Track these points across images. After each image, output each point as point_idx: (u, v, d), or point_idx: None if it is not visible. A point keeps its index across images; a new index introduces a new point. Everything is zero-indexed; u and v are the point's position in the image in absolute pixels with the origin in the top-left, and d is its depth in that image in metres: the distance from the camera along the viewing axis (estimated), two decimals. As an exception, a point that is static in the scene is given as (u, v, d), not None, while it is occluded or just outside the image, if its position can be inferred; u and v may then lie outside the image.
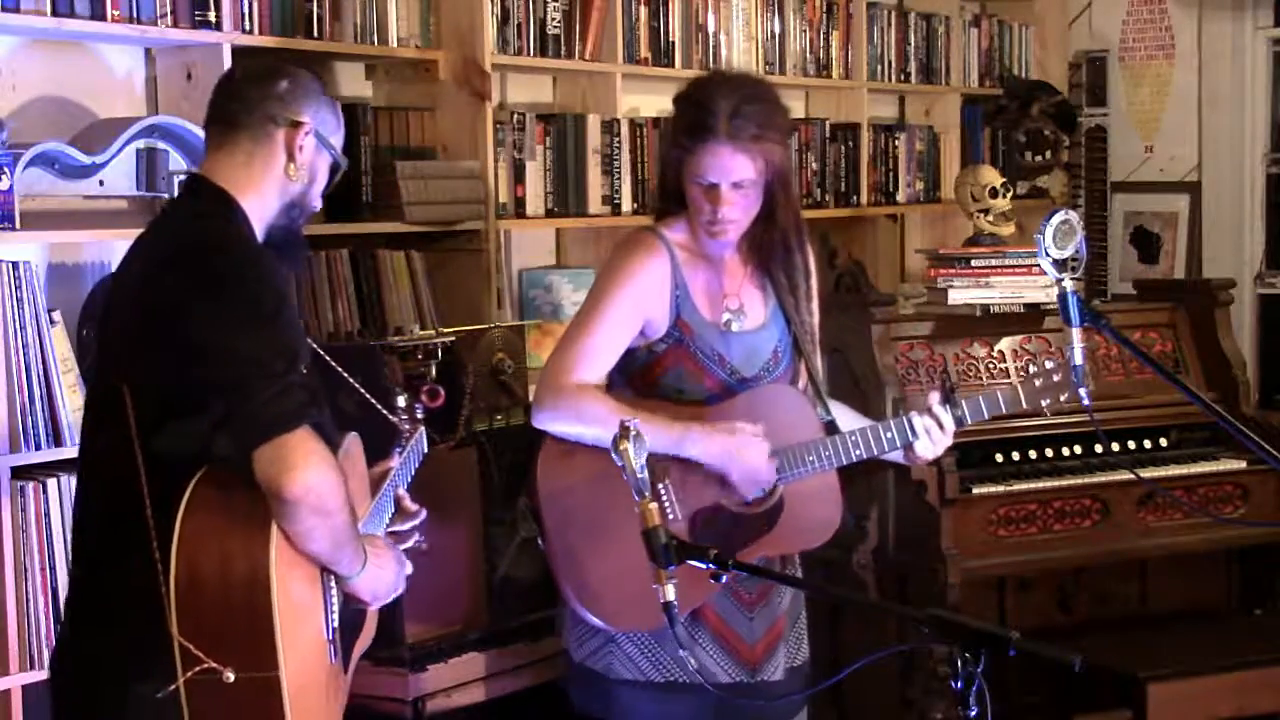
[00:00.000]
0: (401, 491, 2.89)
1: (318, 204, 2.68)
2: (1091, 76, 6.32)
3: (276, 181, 2.57)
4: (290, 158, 2.57)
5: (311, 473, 2.30)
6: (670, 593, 2.36)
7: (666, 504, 3.08)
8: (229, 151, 2.56)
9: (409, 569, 2.69)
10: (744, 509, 3.12)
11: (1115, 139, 6.28)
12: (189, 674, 2.29)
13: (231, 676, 2.30)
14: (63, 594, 3.24)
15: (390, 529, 2.85)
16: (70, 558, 2.60)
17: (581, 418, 3.03)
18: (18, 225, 3.19)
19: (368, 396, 2.99)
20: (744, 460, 3.05)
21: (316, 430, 2.37)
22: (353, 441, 2.70)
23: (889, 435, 3.18)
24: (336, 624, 2.52)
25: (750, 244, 3.19)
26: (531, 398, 3.16)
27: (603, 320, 3.09)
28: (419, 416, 3.02)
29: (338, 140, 2.66)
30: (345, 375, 2.95)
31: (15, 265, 3.21)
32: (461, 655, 3.46)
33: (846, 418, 3.30)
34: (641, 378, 3.16)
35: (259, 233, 2.57)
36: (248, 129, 2.56)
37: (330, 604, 2.50)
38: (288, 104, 2.57)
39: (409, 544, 2.87)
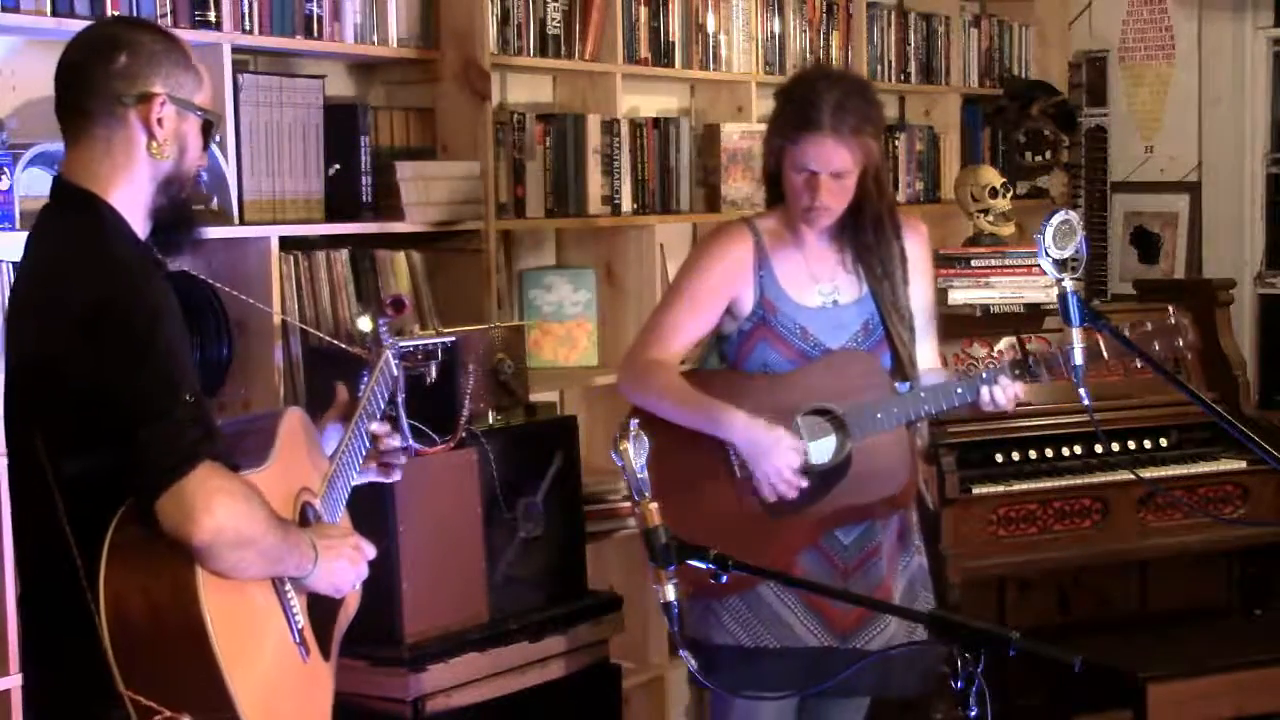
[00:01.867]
0: (375, 426, 2.77)
1: (200, 165, 2.48)
2: (1091, 76, 6.32)
3: (143, 164, 2.38)
4: (150, 135, 2.36)
5: (219, 514, 2.18)
6: (670, 593, 2.36)
7: (734, 459, 3.27)
8: (85, 145, 2.37)
9: (371, 553, 2.56)
10: (811, 467, 3.26)
11: (1115, 139, 6.29)
12: None
13: None
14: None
15: (383, 458, 2.78)
16: (16, 588, 2.43)
17: (648, 391, 3.32)
18: (18, 225, 3.18)
19: (317, 334, 2.89)
20: (774, 462, 3.21)
21: (214, 459, 2.23)
22: (291, 416, 2.57)
23: (959, 391, 3.30)
24: (302, 623, 2.44)
25: (842, 231, 3.37)
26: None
27: (680, 300, 3.37)
28: (384, 336, 2.86)
29: (202, 95, 2.43)
30: (301, 325, 2.89)
31: (15, 265, 3.20)
32: (461, 655, 3.45)
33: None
34: (736, 357, 3.38)
35: (138, 223, 2.40)
36: (96, 116, 2.36)
37: (290, 606, 2.41)
38: (132, 77, 2.35)
39: (399, 460, 2.80)
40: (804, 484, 3.23)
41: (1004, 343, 4.64)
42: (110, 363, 2.21)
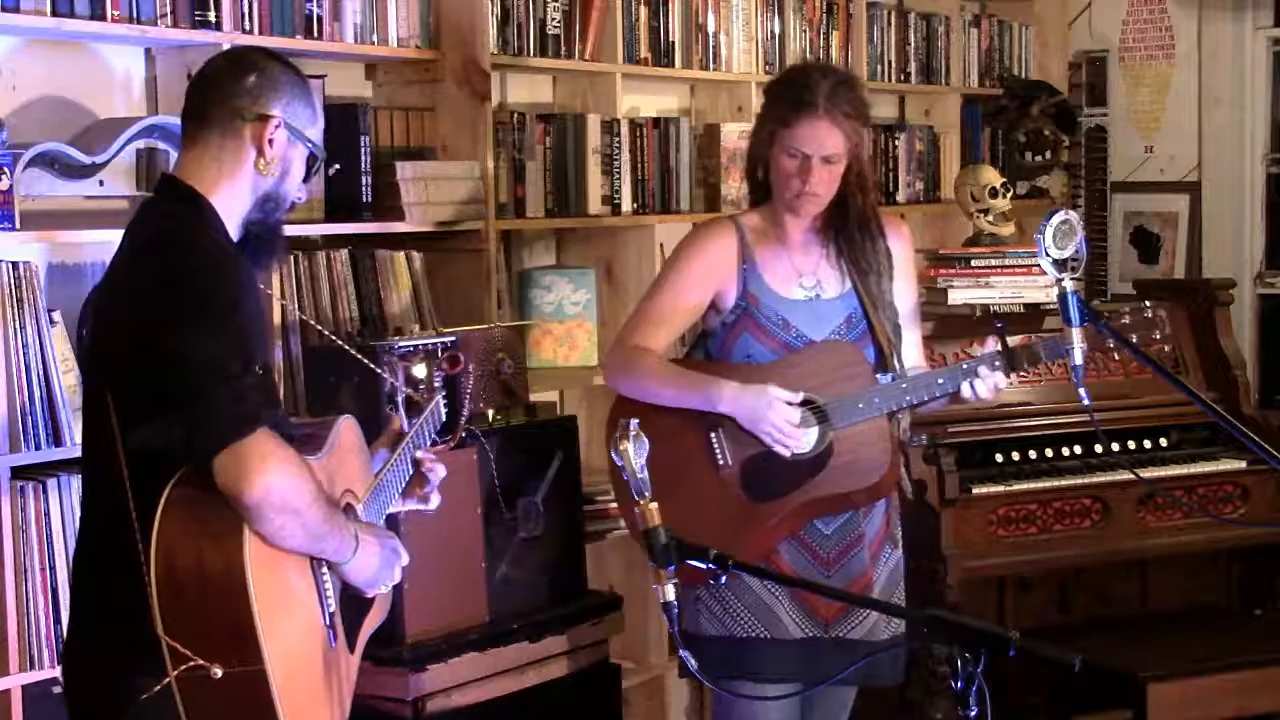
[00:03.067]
0: (420, 454, 2.91)
1: (298, 196, 2.65)
2: (1091, 76, 6.33)
3: (247, 176, 2.55)
4: (260, 152, 2.54)
5: (271, 475, 2.30)
6: (670, 593, 2.36)
7: (718, 451, 3.29)
8: (199, 148, 2.55)
9: (405, 560, 2.68)
10: (794, 457, 3.26)
11: (1115, 139, 6.29)
12: (177, 671, 2.32)
13: (219, 672, 2.31)
14: (63, 594, 3.26)
15: (426, 482, 2.91)
16: (73, 558, 2.63)
17: (633, 374, 3.34)
18: (18, 225, 3.19)
19: (381, 372, 3.01)
20: (772, 418, 3.22)
21: (274, 429, 2.36)
22: (345, 425, 2.69)
23: (940, 381, 3.31)
24: (334, 607, 2.53)
25: (827, 227, 3.39)
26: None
27: (665, 290, 3.39)
28: (436, 385, 3.05)
29: (315, 132, 2.63)
30: (361, 358, 2.94)
31: (15, 265, 3.21)
32: (461, 655, 3.46)
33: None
34: (720, 351, 3.40)
35: (233, 229, 2.55)
36: (216, 125, 2.54)
37: (324, 589, 2.50)
38: (255, 97, 2.54)
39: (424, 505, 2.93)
40: (802, 438, 3.24)
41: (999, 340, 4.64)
42: (188, 324, 2.35)
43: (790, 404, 3.24)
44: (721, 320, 3.38)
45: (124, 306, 2.44)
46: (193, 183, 2.53)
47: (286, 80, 2.59)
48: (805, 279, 3.38)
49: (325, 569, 2.51)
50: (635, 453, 2.39)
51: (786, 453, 3.25)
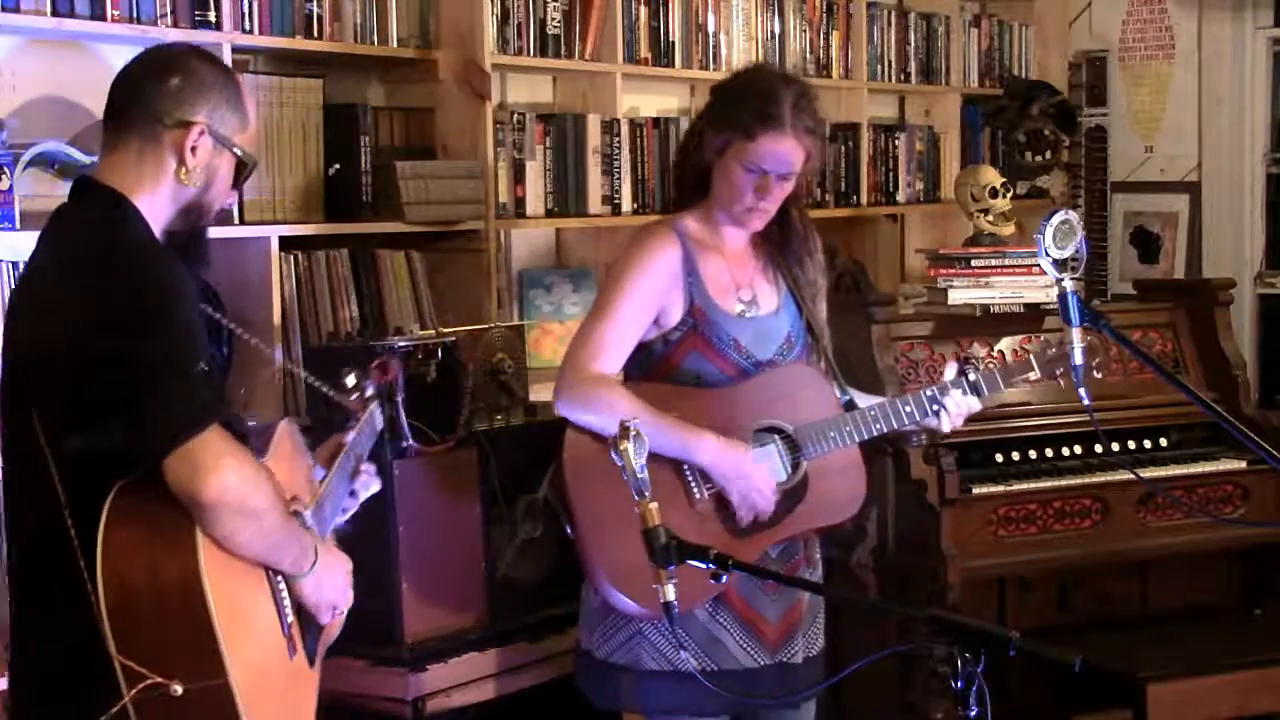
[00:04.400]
0: (365, 467, 2.82)
1: (226, 202, 2.53)
2: (1091, 76, 6.32)
3: (168, 184, 2.42)
4: (180, 161, 2.41)
5: (227, 474, 2.20)
6: (670, 593, 2.36)
7: (691, 483, 3.14)
8: (120, 150, 2.43)
9: (350, 589, 2.58)
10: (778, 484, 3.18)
11: (1115, 139, 6.29)
12: (134, 691, 2.19)
13: (179, 689, 2.19)
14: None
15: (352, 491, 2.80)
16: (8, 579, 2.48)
17: (597, 409, 3.09)
18: (18, 225, 3.19)
19: (308, 377, 2.92)
20: (751, 489, 3.11)
21: (227, 428, 2.26)
22: (287, 428, 2.60)
23: (908, 409, 3.24)
24: (292, 618, 2.43)
25: (765, 236, 3.28)
26: (554, 385, 3.22)
27: (619, 309, 3.16)
28: (368, 394, 2.92)
29: (246, 137, 2.49)
30: (284, 360, 2.90)
31: (15, 265, 3.21)
32: (461, 655, 3.45)
33: (861, 400, 3.35)
34: (659, 368, 3.22)
35: (156, 233, 2.43)
36: (135, 128, 2.41)
37: (282, 599, 2.41)
38: (178, 101, 2.41)
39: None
40: (772, 507, 3.14)
41: (1005, 343, 4.65)
42: (125, 331, 2.24)
43: (771, 471, 3.13)
44: (664, 336, 3.20)
45: (53, 312, 2.32)
46: (114, 185, 2.41)
47: (214, 82, 2.45)
48: (743, 291, 3.24)
49: (281, 580, 2.41)
50: (635, 452, 2.38)
51: (748, 519, 3.13)
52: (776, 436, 3.20)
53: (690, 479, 3.15)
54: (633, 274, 3.18)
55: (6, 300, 3.17)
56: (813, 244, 3.32)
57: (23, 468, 2.35)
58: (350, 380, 2.90)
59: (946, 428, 3.27)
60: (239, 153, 2.48)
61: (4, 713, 2.48)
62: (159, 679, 2.19)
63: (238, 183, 2.52)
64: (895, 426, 3.26)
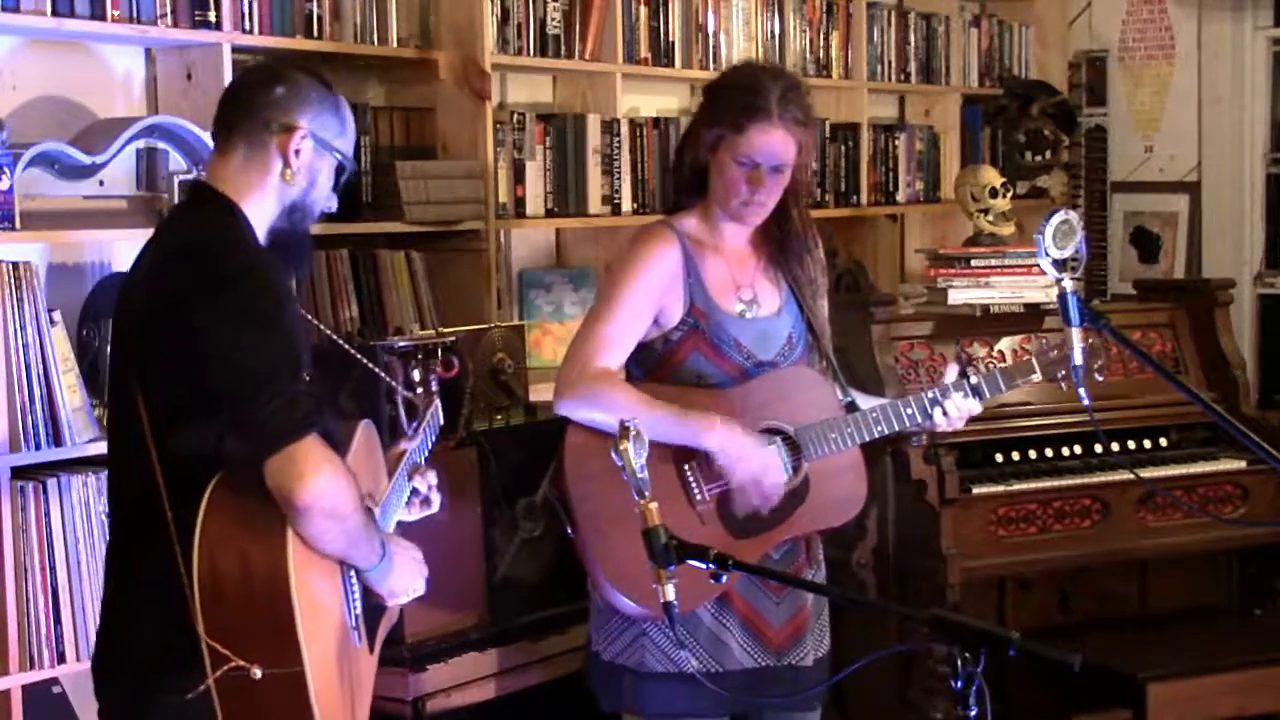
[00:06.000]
0: (424, 471, 2.93)
1: (327, 205, 2.69)
2: (1091, 76, 6.32)
3: (273, 185, 2.59)
4: (286, 162, 2.58)
5: (321, 480, 2.34)
6: (670, 592, 2.36)
7: (693, 484, 3.14)
8: (227, 157, 2.59)
9: (426, 572, 2.71)
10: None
11: (1115, 139, 6.28)
12: (218, 673, 2.33)
13: (259, 674, 2.33)
14: (63, 594, 3.26)
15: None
16: (105, 555, 2.65)
17: (602, 405, 3.08)
18: (18, 225, 3.19)
19: (381, 374, 3.02)
20: (758, 473, 3.11)
21: (324, 437, 2.40)
22: (365, 430, 2.73)
23: (909, 411, 3.24)
24: (359, 609, 2.57)
25: (765, 236, 3.28)
26: (554, 386, 3.22)
27: (619, 309, 3.16)
28: (434, 389, 3.07)
29: (344, 143, 2.67)
30: (360, 358, 2.96)
31: (15, 265, 3.21)
32: (461, 655, 3.46)
33: (863, 401, 3.35)
34: (660, 369, 3.22)
35: (261, 236, 2.59)
36: (243, 135, 2.58)
37: (351, 591, 2.55)
38: (283, 109, 2.59)
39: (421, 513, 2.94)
40: (781, 493, 3.15)
41: (1005, 343, 4.65)
42: (238, 328, 2.37)
43: (778, 464, 3.14)
44: (664, 336, 3.20)
45: (165, 308, 2.44)
46: (223, 189, 2.57)
47: (314, 93, 2.63)
48: (743, 291, 3.25)
49: (352, 572, 2.54)
50: (635, 452, 2.38)
51: (750, 507, 3.14)
52: (778, 438, 3.19)
53: (691, 479, 3.14)
54: (631, 274, 3.19)
55: (14, 300, 3.19)
56: (812, 242, 3.33)
57: (126, 452, 2.49)
58: (416, 374, 3.04)
59: (947, 429, 3.28)
60: (339, 156, 2.65)
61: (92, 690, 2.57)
62: (241, 662, 2.33)
63: (337, 185, 2.68)
64: (896, 428, 3.25)
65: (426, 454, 2.96)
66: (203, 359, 2.37)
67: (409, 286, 4.00)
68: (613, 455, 2.40)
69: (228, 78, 3.52)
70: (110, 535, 2.61)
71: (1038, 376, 3.33)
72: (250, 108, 2.60)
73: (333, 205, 2.70)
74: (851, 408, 3.28)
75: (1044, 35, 6.35)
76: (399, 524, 2.84)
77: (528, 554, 3.67)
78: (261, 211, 2.59)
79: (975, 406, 3.28)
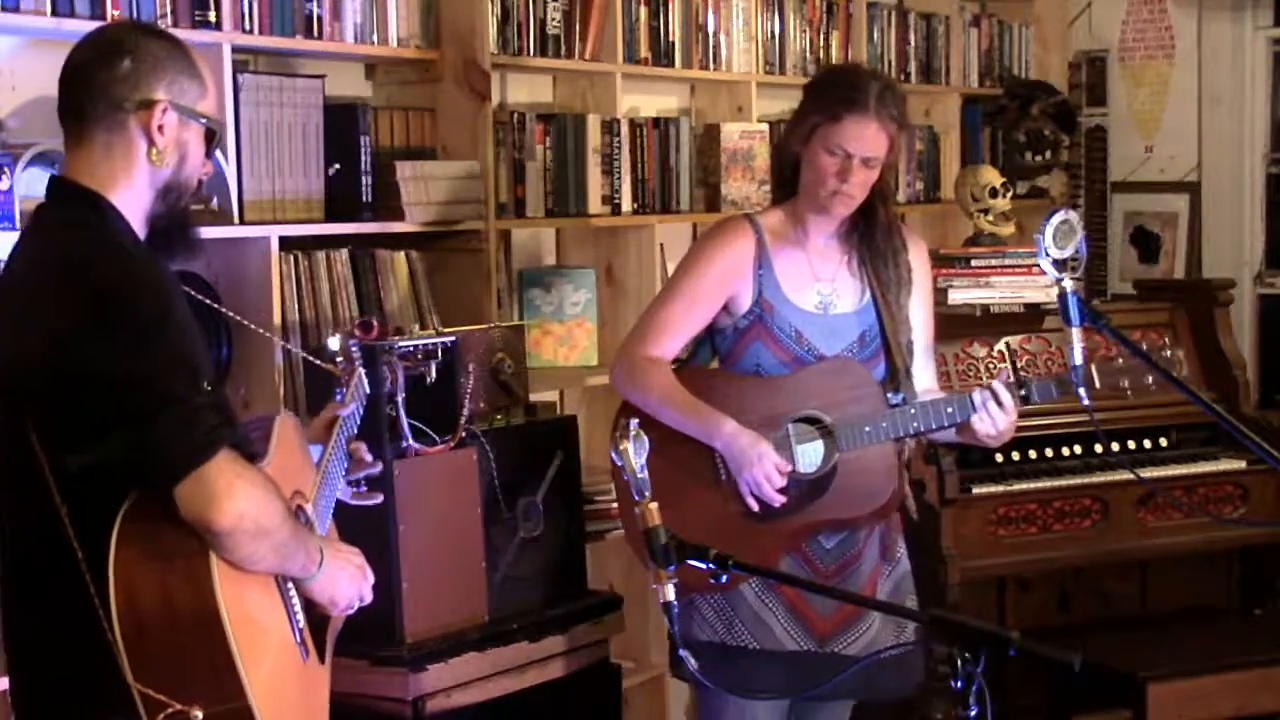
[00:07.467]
0: (356, 444, 2.80)
1: (203, 174, 2.44)
2: (1091, 76, 6.33)
3: (142, 170, 2.35)
4: (150, 141, 2.33)
5: (239, 500, 2.17)
6: (669, 593, 2.36)
7: (720, 466, 3.26)
8: (86, 147, 2.34)
9: (372, 577, 2.57)
10: (795, 475, 3.24)
11: (1115, 139, 6.29)
12: None
13: (200, 715, 2.17)
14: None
15: (357, 474, 2.80)
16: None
17: (641, 388, 3.30)
18: (17, 225, 3.18)
19: (294, 349, 2.93)
20: (753, 473, 3.19)
21: (235, 448, 2.22)
22: (284, 422, 2.56)
23: (949, 410, 3.26)
24: (302, 623, 2.43)
25: (850, 233, 3.36)
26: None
27: (679, 296, 3.34)
28: (355, 355, 2.92)
29: (207, 104, 2.41)
30: (260, 330, 2.86)
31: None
32: (461, 655, 3.45)
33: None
34: (729, 353, 3.36)
35: (139, 227, 2.37)
36: (98, 120, 2.33)
37: (291, 605, 2.41)
38: (135, 83, 2.33)
39: (367, 500, 2.85)
40: (782, 500, 3.20)
41: (1002, 343, 4.65)
42: (122, 348, 2.17)
43: (778, 465, 3.19)
44: (734, 324, 3.34)
45: (39, 326, 2.23)
46: (87, 183, 2.34)
47: (164, 55, 2.36)
48: (822, 284, 3.33)
49: (290, 584, 2.40)
50: (635, 452, 2.38)
51: (754, 505, 3.22)
52: (814, 427, 3.25)
53: (719, 460, 3.27)
54: (696, 263, 3.35)
55: None
56: (899, 241, 3.37)
57: (17, 480, 2.27)
58: (334, 343, 2.92)
59: (990, 432, 3.23)
60: (205, 121, 2.41)
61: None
62: (179, 706, 2.16)
63: (209, 151, 2.44)
64: (933, 425, 3.27)
65: (356, 426, 2.82)
66: (87, 380, 2.16)
67: (409, 286, 4.00)
68: (612, 455, 2.41)
69: (228, 78, 3.52)
70: (5, 579, 2.33)
71: (1097, 385, 3.22)
72: (99, 89, 2.32)
73: (208, 172, 2.46)
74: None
75: (1044, 35, 6.35)
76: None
77: (528, 554, 3.67)
78: (134, 200, 2.35)
79: (1012, 415, 3.23)
